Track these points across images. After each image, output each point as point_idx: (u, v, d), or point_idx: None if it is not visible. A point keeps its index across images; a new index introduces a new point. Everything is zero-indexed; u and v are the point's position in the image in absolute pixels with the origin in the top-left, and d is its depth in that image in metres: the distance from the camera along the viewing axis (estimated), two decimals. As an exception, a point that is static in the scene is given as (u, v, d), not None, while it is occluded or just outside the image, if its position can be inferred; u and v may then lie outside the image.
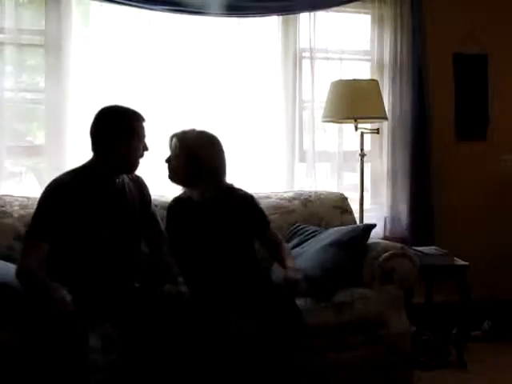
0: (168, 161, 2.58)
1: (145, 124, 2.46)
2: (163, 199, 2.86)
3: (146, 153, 2.46)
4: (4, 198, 2.91)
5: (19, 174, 3.49)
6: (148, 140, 2.49)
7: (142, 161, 2.48)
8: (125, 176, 2.51)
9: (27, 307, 2.21)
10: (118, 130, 2.38)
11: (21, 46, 3.29)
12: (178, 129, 3.45)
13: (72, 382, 2.06)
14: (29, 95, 3.44)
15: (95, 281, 2.35)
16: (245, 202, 2.65)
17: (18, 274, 2.25)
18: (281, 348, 2.30)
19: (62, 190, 2.34)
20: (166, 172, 2.61)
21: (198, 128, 2.64)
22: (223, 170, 2.61)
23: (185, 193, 2.66)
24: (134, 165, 2.46)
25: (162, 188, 2.86)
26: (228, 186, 2.65)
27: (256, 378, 2.32)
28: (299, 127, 3.78)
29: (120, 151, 2.38)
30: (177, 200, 2.71)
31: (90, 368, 2.10)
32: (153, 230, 2.64)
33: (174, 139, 2.58)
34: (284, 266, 2.53)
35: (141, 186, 2.60)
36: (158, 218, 2.68)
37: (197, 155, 2.51)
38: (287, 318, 2.33)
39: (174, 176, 2.57)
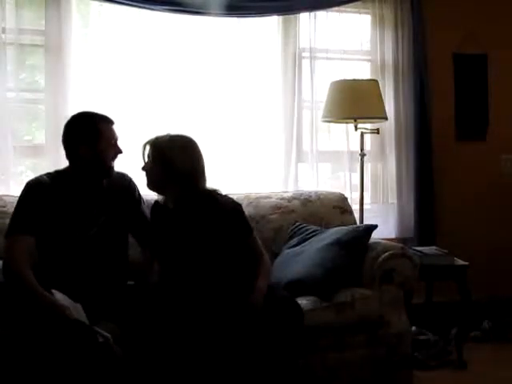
0: (143, 169, 2.51)
1: (114, 127, 2.46)
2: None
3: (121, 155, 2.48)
4: (4, 198, 2.91)
5: (19, 174, 3.48)
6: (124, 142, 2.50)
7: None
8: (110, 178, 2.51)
9: (25, 306, 2.21)
10: (83, 134, 2.39)
11: (21, 46, 3.29)
12: (177, 128, 3.48)
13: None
14: (29, 95, 3.43)
15: (80, 281, 2.36)
16: (225, 208, 2.53)
17: (4, 271, 2.27)
18: (281, 348, 2.29)
19: (40, 188, 2.38)
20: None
21: (173, 132, 2.54)
22: (198, 174, 2.50)
23: (162, 198, 2.59)
24: (106, 168, 2.44)
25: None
26: (207, 192, 2.54)
27: (254, 378, 2.32)
28: (299, 127, 3.77)
29: (87, 155, 2.38)
30: (155, 204, 2.65)
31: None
32: (143, 231, 2.63)
33: (147, 146, 2.51)
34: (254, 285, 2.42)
35: (127, 187, 2.59)
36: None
37: (168, 160, 2.43)
38: (288, 318, 2.33)
39: (150, 183, 2.50)
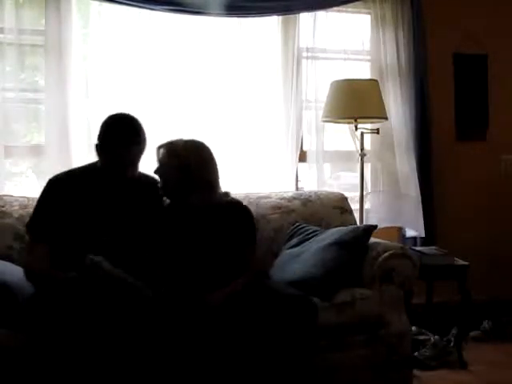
0: (157, 172, 2.51)
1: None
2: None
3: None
4: (4, 198, 2.92)
5: (19, 174, 3.48)
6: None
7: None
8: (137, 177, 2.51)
9: (25, 307, 2.22)
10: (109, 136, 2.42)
11: (21, 46, 3.29)
12: (179, 128, 3.49)
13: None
14: (29, 95, 3.43)
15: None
16: (239, 215, 2.57)
17: (25, 273, 2.34)
18: (294, 347, 2.29)
19: (55, 185, 2.44)
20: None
21: (186, 137, 2.57)
22: (216, 178, 2.54)
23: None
24: (122, 170, 2.44)
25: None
26: (224, 197, 2.58)
27: (267, 378, 2.31)
28: (299, 127, 3.77)
29: (107, 156, 2.42)
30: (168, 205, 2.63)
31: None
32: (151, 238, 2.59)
33: (162, 150, 2.51)
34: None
35: (150, 190, 2.57)
36: None
37: (187, 164, 2.45)
38: (301, 315, 2.31)
39: (167, 188, 2.51)
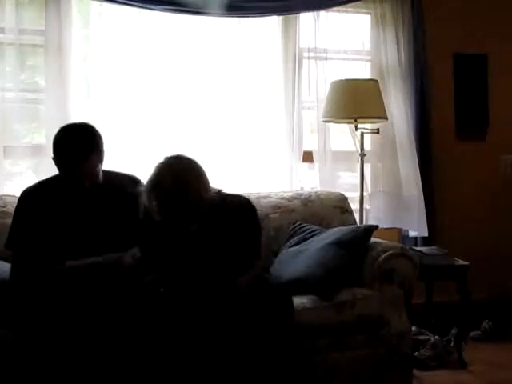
0: (162, 212, 2.36)
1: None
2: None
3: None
4: (4, 198, 2.92)
5: (19, 174, 3.48)
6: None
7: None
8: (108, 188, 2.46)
9: (25, 306, 2.23)
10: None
11: (21, 46, 3.29)
12: (178, 128, 3.49)
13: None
14: (29, 95, 3.43)
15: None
16: (241, 209, 2.53)
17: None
18: (272, 345, 2.27)
19: (28, 198, 2.43)
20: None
21: (158, 162, 2.41)
22: (209, 185, 2.45)
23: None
24: (80, 181, 2.38)
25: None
26: (219, 195, 2.51)
27: (247, 378, 2.30)
28: (299, 127, 3.77)
29: (64, 170, 2.37)
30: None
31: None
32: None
33: (152, 192, 2.34)
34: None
35: (121, 200, 2.48)
36: None
37: (184, 180, 2.34)
38: (278, 315, 2.30)
39: (165, 212, 2.38)
